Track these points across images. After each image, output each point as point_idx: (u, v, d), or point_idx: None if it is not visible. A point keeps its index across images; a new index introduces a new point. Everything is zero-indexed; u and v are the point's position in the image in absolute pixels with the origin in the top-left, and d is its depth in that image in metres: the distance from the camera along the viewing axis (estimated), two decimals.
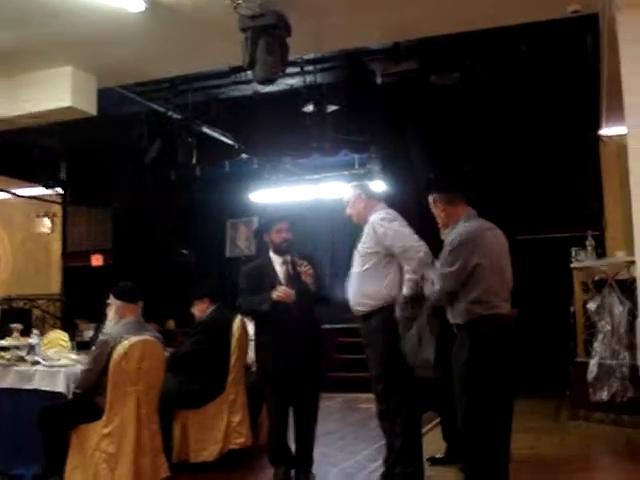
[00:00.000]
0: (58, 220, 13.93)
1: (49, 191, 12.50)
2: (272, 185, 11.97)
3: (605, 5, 5.79)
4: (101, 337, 5.13)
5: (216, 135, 9.96)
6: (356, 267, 4.74)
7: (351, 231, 5.10)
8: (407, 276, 4.50)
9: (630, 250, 6.54)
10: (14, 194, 13.15)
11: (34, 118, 7.22)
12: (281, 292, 5.03)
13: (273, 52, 5.12)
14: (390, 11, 5.88)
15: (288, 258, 5.27)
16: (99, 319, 6.57)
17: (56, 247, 14.00)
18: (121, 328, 5.10)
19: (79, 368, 5.38)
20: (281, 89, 8.62)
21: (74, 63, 6.81)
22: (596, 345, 7.11)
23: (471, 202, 4.22)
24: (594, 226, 9.08)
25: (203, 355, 5.71)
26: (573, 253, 7.93)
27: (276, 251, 5.33)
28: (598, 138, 9.67)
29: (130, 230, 13.24)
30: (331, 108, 8.63)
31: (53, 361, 5.70)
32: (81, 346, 6.54)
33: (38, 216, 13.86)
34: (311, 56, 7.96)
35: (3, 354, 5.78)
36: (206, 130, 9.63)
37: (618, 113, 6.39)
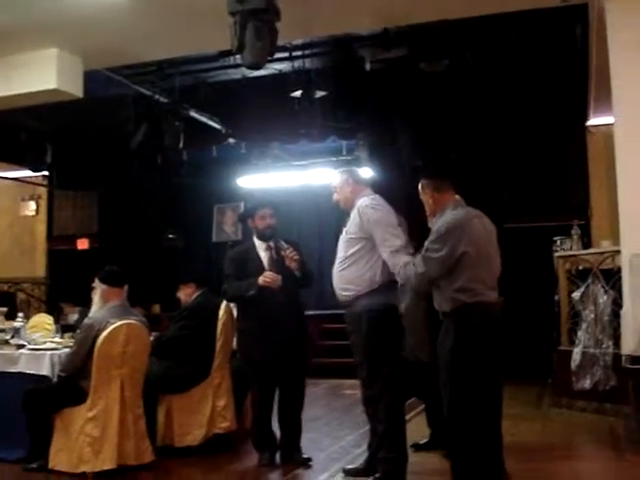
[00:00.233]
0: (43, 203, 13.85)
1: (34, 174, 12.41)
2: (259, 170, 11.93)
3: None
4: (86, 321, 5.11)
5: (203, 119, 9.91)
6: (340, 252, 4.74)
7: (338, 217, 5.09)
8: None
9: (615, 239, 6.59)
10: (0, 177, 13.06)
11: (19, 100, 7.17)
12: (268, 277, 5.05)
13: (262, 37, 5.09)
14: None
15: (272, 244, 5.28)
16: (84, 303, 6.54)
17: (41, 230, 13.92)
18: (106, 312, 5.09)
19: (64, 351, 5.37)
20: (269, 74, 8.58)
21: (59, 45, 6.76)
22: (580, 334, 7.15)
23: (458, 190, 4.22)
24: (580, 215, 9.13)
25: (188, 340, 5.71)
26: (558, 242, 7.97)
27: (260, 237, 5.35)
28: (585, 128, 9.72)
29: (116, 214, 13.18)
30: (319, 94, 8.60)
31: (38, 344, 5.68)
32: (66, 329, 6.51)
33: (23, 199, 13.80)
34: (300, 41, 7.93)
35: None
36: (193, 114, 9.58)
37: (605, 103, 6.43)
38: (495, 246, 4.08)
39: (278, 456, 5.32)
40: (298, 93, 8.54)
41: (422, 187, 4.19)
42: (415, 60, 8.05)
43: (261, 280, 5.06)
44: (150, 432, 5.24)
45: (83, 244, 13.29)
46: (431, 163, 9.17)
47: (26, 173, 12.43)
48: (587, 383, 6.91)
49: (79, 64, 7.06)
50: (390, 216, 4.61)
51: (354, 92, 9.11)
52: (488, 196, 8.99)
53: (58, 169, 12.64)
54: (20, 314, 6.28)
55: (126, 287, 5.36)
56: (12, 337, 5.76)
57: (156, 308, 12.05)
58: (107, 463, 4.82)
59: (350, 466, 4.98)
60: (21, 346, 5.58)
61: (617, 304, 6.58)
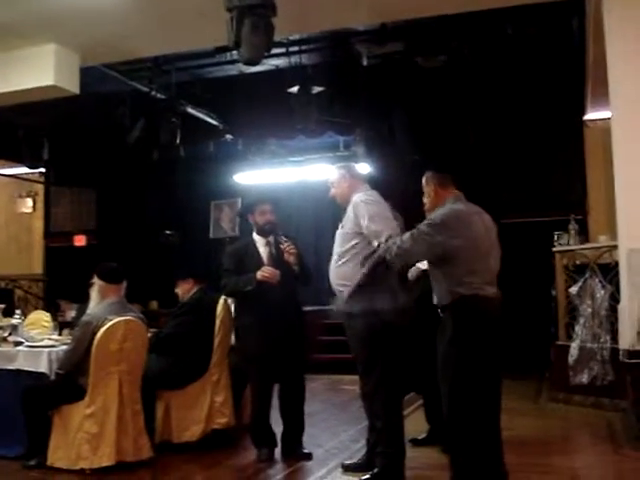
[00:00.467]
0: (40, 200, 13.84)
1: (31, 171, 12.40)
2: (256, 166, 11.93)
3: None
4: (84, 318, 5.11)
5: (200, 115, 9.91)
6: (337, 248, 4.74)
7: (335, 213, 5.10)
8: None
9: (613, 234, 6.60)
10: None
11: (17, 96, 7.15)
12: (266, 272, 5.06)
13: (259, 32, 5.08)
14: None
15: (271, 239, 5.29)
16: (82, 300, 6.53)
17: (38, 227, 13.92)
18: (104, 309, 5.09)
19: (62, 349, 5.37)
20: (266, 70, 8.57)
21: (57, 41, 6.75)
22: (577, 328, 7.16)
23: (460, 187, 4.22)
24: (577, 210, 9.14)
25: (186, 336, 5.71)
26: (556, 237, 7.97)
27: (259, 232, 5.36)
28: (582, 122, 9.71)
29: (114, 211, 13.17)
30: (316, 89, 8.59)
31: (36, 341, 5.68)
32: (64, 326, 6.51)
33: (20, 196, 13.79)
34: (297, 37, 7.92)
35: None
36: (190, 110, 9.56)
37: (603, 97, 6.43)
38: (495, 242, 4.08)
39: (277, 451, 5.33)
40: (295, 89, 8.53)
41: (427, 179, 4.19)
42: (412, 55, 8.04)
43: (259, 275, 5.07)
44: (148, 428, 5.24)
45: (80, 241, 13.30)
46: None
47: (23, 170, 12.41)
48: (585, 378, 6.92)
49: (76, 60, 7.05)
50: (385, 211, 4.61)
51: (351, 87, 9.11)
52: (485, 191, 9.01)
53: (55, 166, 12.63)
54: (17, 311, 6.26)
55: (125, 284, 5.36)
56: (10, 334, 5.74)
57: (154, 304, 12.05)
58: (105, 459, 4.82)
59: (349, 461, 4.98)
60: (19, 343, 5.57)
61: (614, 299, 6.59)
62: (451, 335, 3.84)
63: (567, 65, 8.46)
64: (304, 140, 10.68)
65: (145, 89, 8.98)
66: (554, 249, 7.82)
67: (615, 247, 6.29)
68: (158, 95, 9.07)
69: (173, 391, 5.60)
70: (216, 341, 5.73)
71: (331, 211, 5.27)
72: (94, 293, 5.26)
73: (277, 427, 5.39)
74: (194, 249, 12.52)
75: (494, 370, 3.93)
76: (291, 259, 5.14)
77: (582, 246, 7.73)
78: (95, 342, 4.88)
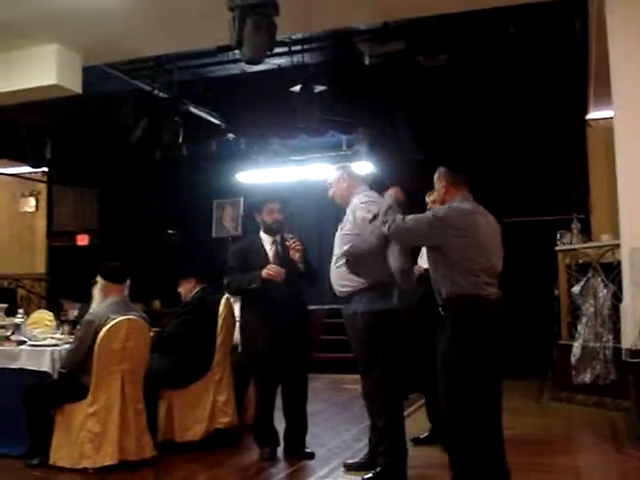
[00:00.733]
0: (43, 199, 13.86)
1: (34, 170, 12.42)
2: (259, 166, 11.92)
3: None
4: (86, 317, 5.12)
5: (203, 115, 9.90)
6: (337, 249, 4.75)
7: (337, 212, 5.09)
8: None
9: (615, 233, 6.59)
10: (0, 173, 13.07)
11: (19, 96, 7.16)
12: (271, 270, 5.06)
13: (261, 31, 5.08)
14: None
15: (278, 238, 5.30)
16: (85, 299, 6.55)
17: (41, 226, 13.94)
18: (106, 308, 5.09)
19: (64, 348, 5.38)
20: (268, 69, 8.57)
21: (59, 41, 6.76)
22: (580, 328, 7.16)
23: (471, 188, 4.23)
24: (580, 209, 9.13)
25: (189, 335, 5.71)
26: (558, 236, 7.97)
27: (267, 231, 5.37)
28: (585, 121, 9.70)
29: (116, 210, 13.18)
30: (319, 88, 8.59)
31: (38, 340, 5.69)
32: (64, 323, 6.51)
33: (23, 195, 13.81)
34: (299, 36, 7.92)
35: None
36: (193, 109, 9.57)
37: (605, 96, 6.42)
38: (498, 244, 4.09)
39: (279, 450, 5.34)
40: (297, 88, 8.53)
41: (440, 175, 4.18)
42: (414, 54, 8.03)
43: (265, 273, 5.08)
44: (151, 427, 5.25)
45: (83, 240, 13.30)
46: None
47: (26, 169, 12.44)
48: (587, 377, 6.92)
49: (78, 60, 7.06)
50: None
51: (353, 86, 9.10)
52: (488, 190, 9.00)
53: (58, 165, 12.63)
54: (20, 310, 6.27)
55: (128, 283, 5.37)
56: (12, 333, 5.76)
57: (156, 304, 12.05)
58: (108, 458, 4.83)
59: (351, 460, 4.99)
60: (22, 342, 5.58)
61: (617, 298, 6.58)
62: (450, 334, 3.85)
63: (569, 64, 8.45)
64: (306, 139, 10.68)
65: (147, 88, 8.98)
66: (557, 248, 7.82)
67: (618, 246, 6.29)
68: (160, 94, 9.07)
69: (176, 390, 5.60)
70: (218, 340, 5.73)
71: (333, 210, 5.25)
72: (96, 292, 5.27)
73: (279, 426, 5.39)
74: (196, 248, 12.52)
75: (493, 370, 3.93)
76: (296, 256, 5.14)
77: (584, 245, 7.73)
78: (98, 341, 4.88)
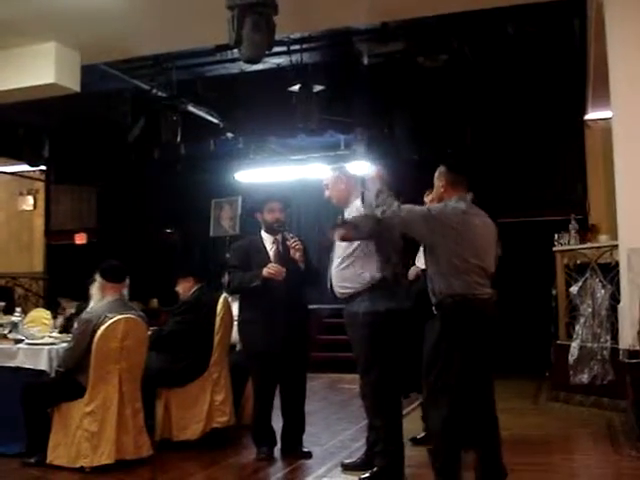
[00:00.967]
0: (41, 198, 13.85)
1: (32, 168, 12.41)
2: (257, 165, 11.93)
3: None
4: (84, 315, 5.11)
5: (201, 114, 9.90)
6: (338, 251, 4.74)
7: (336, 212, 5.09)
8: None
9: (613, 234, 6.59)
10: None
11: (17, 94, 7.15)
12: (272, 269, 5.06)
13: (260, 30, 5.08)
14: None
15: (279, 237, 5.30)
16: (82, 298, 6.54)
17: (39, 225, 13.93)
18: (104, 306, 5.09)
19: (62, 346, 5.37)
20: (267, 68, 8.57)
21: (58, 39, 6.75)
22: (578, 328, 7.16)
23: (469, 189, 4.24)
24: (578, 210, 9.13)
25: (187, 334, 5.71)
26: (556, 236, 7.97)
27: (268, 230, 5.37)
28: (583, 122, 9.71)
29: (114, 208, 13.18)
30: (317, 88, 8.59)
31: (36, 339, 5.68)
32: (58, 316, 6.54)
33: (21, 194, 13.80)
34: (298, 35, 7.91)
35: None
36: (191, 108, 9.56)
37: (604, 97, 6.42)
38: (492, 245, 4.10)
39: (276, 450, 5.34)
40: (296, 87, 8.53)
41: (440, 173, 4.19)
42: (413, 54, 8.03)
43: (265, 272, 5.08)
44: (148, 426, 5.25)
45: (81, 239, 13.30)
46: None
47: (23, 167, 12.43)
48: (585, 377, 6.92)
49: (77, 58, 7.05)
50: None
51: (352, 86, 9.09)
52: (485, 190, 9.00)
53: (56, 163, 12.64)
54: (18, 309, 6.27)
55: (127, 282, 5.37)
56: (10, 332, 5.75)
57: (154, 302, 12.04)
58: (105, 457, 4.82)
59: (348, 460, 4.99)
60: (19, 341, 5.58)
61: (615, 298, 6.58)
62: (438, 333, 3.89)
63: (568, 65, 8.45)
64: (305, 139, 10.68)
65: (146, 87, 8.97)
66: (555, 249, 7.82)
67: (615, 247, 6.29)
68: (159, 93, 9.06)
69: (173, 389, 5.60)
70: (216, 339, 5.73)
71: (332, 210, 5.25)
72: (95, 290, 5.27)
73: (276, 425, 5.39)
74: (194, 247, 12.54)
75: (482, 370, 3.93)
76: (297, 255, 5.14)
77: (582, 246, 7.73)
78: (95, 340, 4.88)
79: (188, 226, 12.82)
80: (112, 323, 4.94)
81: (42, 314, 7.18)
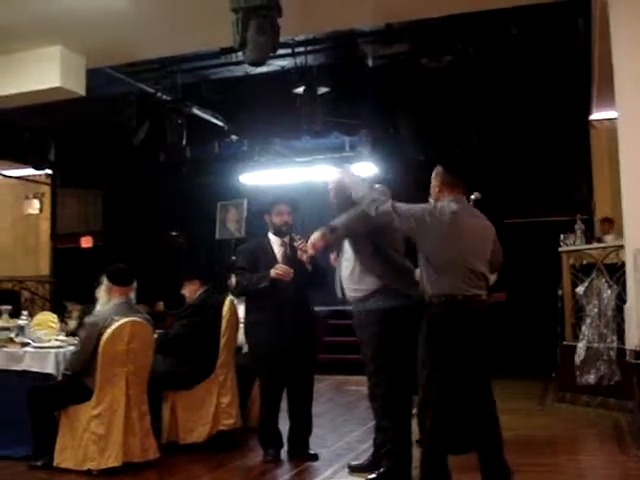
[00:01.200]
0: (47, 201, 13.88)
1: (38, 172, 12.44)
2: (262, 167, 11.93)
3: None
4: (90, 319, 5.13)
5: (206, 116, 9.91)
6: (347, 253, 4.75)
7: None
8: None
9: (619, 234, 6.58)
10: (4, 175, 13.10)
11: (23, 98, 7.17)
12: (280, 270, 5.07)
13: (264, 33, 5.09)
14: None
15: (287, 240, 5.31)
16: (88, 301, 6.56)
17: (45, 229, 13.96)
18: (110, 309, 5.10)
19: (69, 349, 5.38)
20: (272, 70, 8.58)
21: (63, 43, 6.77)
22: (584, 328, 7.15)
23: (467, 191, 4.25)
24: (583, 210, 9.12)
25: (193, 337, 5.71)
26: (562, 237, 7.96)
27: (276, 232, 5.38)
28: (588, 122, 9.70)
29: (120, 212, 13.20)
30: (322, 90, 8.60)
31: (43, 342, 5.69)
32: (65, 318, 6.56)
33: (27, 197, 13.83)
34: (302, 37, 7.92)
35: None
36: (196, 111, 9.57)
37: (609, 97, 6.41)
38: (486, 247, 4.09)
39: (283, 452, 5.34)
40: (300, 89, 8.54)
41: (436, 173, 4.21)
42: (418, 56, 8.03)
43: (273, 272, 5.08)
44: (155, 429, 5.26)
45: (87, 242, 13.32)
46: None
47: (29, 171, 12.46)
48: (591, 378, 6.91)
49: (82, 62, 7.07)
50: None
51: (356, 88, 9.11)
52: (491, 191, 9.00)
53: (61, 167, 12.67)
54: (24, 312, 6.28)
55: (135, 285, 5.39)
56: (17, 335, 5.76)
57: (160, 305, 12.06)
58: (112, 460, 4.83)
59: (355, 462, 4.99)
60: (26, 344, 5.59)
61: (621, 299, 6.57)
62: (425, 335, 3.92)
63: (573, 65, 8.44)
64: (310, 141, 10.69)
65: (151, 90, 8.99)
66: (560, 249, 7.81)
67: (621, 247, 6.28)
68: (164, 96, 9.09)
69: (179, 392, 5.61)
70: (222, 342, 5.73)
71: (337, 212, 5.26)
72: (102, 293, 5.28)
73: (283, 427, 5.39)
74: (200, 250, 12.55)
75: (475, 372, 3.92)
76: (304, 257, 5.15)
77: (588, 246, 7.72)
78: (102, 343, 4.89)
79: (194, 229, 12.84)
80: (119, 326, 4.95)
81: (48, 317, 7.20)
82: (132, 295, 5.47)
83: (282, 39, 5.41)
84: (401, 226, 4.13)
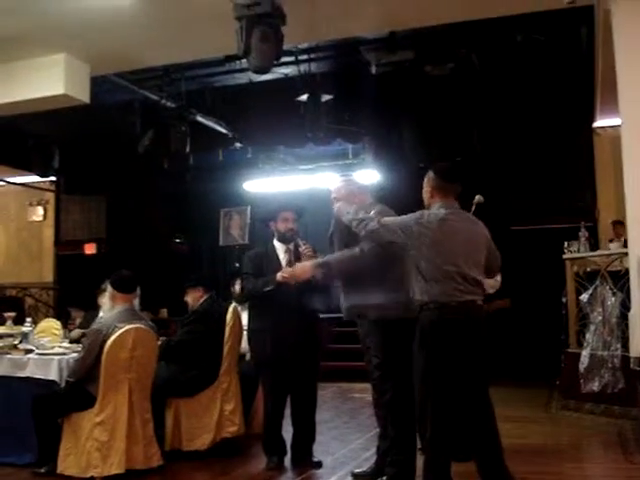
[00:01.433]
0: (51, 208, 13.91)
1: (42, 179, 12.48)
2: (266, 174, 11.95)
3: None
4: (94, 326, 5.13)
5: (210, 124, 9.94)
6: None
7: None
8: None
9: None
10: (8, 182, 13.13)
11: (27, 105, 7.20)
12: (286, 273, 5.07)
13: (268, 41, 5.11)
14: (385, 0, 5.87)
15: (291, 247, 5.31)
16: (92, 307, 6.57)
17: (49, 235, 13.98)
18: (114, 316, 5.10)
19: (72, 356, 5.39)
20: (275, 78, 8.61)
21: (68, 50, 6.80)
22: (588, 336, 7.13)
23: (465, 193, 4.24)
24: (587, 217, 9.11)
25: (196, 344, 5.71)
26: (566, 244, 7.95)
27: (280, 239, 5.38)
28: (592, 129, 9.70)
29: (124, 219, 13.22)
30: (325, 97, 8.62)
31: (46, 349, 5.70)
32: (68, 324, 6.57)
33: (31, 204, 13.87)
34: (306, 45, 7.95)
35: None
36: (200, 119, 9.60)
37: (612, 104, 6.41)
38: (478, 251, 4.07)
39: (287, 459, 5.33)
40: (304, 97, 8.56)
41: (428, 179, 4.21)
42: (421, 63, 8.05)
43: (279, 276, 5.08)
44: (158, 436, 5.24)
45: (91, 249, 13.34)
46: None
47: (34, 178, 12.50)
48: (595, 385, 6.89)
49: (87, 69, 7.10)
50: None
51: (360, 95, 9.12)
52: (495, 199, 8.99)
53: (65, 174, 12.70)
54: (28, 319, 6.29)
55: (138, 292, 5.39)
56: (20, 342, 5.77)
57: (163, 312, 12.07)
58: (115, 467, 4.82)
59: (358, 470, 4.97)
60: (29, 351, 5.59)
61: (625, 306, 6.56)
62: (418, 342, 3.93)
63: (576, 72, 8.45)
64: (313, 148, 10.70)
65: (155, 98, 9.02)
66: (564, 256, 7.80)
67: (625, 254, 6.27)
68: (168, 104, 9.11)
69: (183, 399, 5.60)
70: (226, 349, 5.73)
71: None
72: (106, 300, 5.28)
73: (286, 434, 5.39)
74: (204, 257, 12.56)
75: (471, 380, 3.90)
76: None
77: (592, 253, 7.71)
78: (105, 350, 4.89)
79: (197, 236, 12.86)
80: (122, 333, 4.95)
81: (52, 324, 7.20)
82: (136, 302, 5.47)
83: (286, 47, 5.43)
84: (391, 239, 4.13)
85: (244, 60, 5.59)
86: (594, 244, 8.26)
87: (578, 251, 7.82)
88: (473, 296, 3.94)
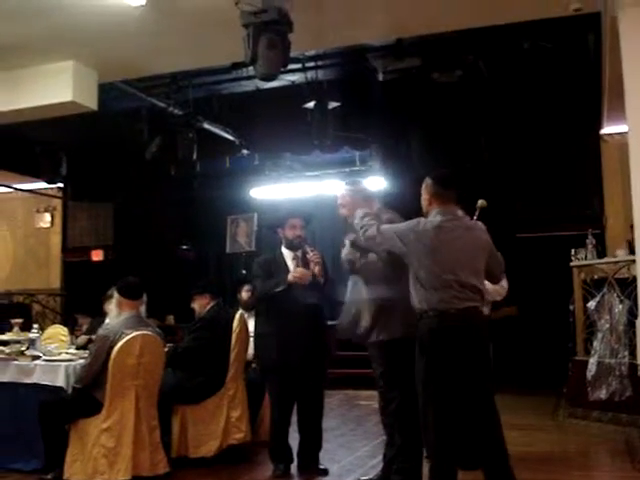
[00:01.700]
0: (58, 215, 13.95)
1: (49, 186, 12.52)
2: (273, 181, 11.96)
3: (607, 3, 5.79)
4: (100, 332, 5.14)
5: (217, 131, 9.96)
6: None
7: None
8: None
9: (630, 248, 6.55)
10: (15, 189, 13.18)
11: (35, 112, 7.23)
12: (297, 273, 5.08)
13: (275, 48, 5.12)
14: (392, 7, 5.89)
15: (299, 254, 5.32)
16: (98, 314, 6.58)
17: (56, 242, 14.01)
18: (121, 323, 5.11)
19: (79, 363, 5.39)
20: (282, 85, 8.62)
21: (75, 57, 6.83)
22: (595, 344, 7.11)
23: (472, 200, 4.24)
24: (595, 224, 9.09)
25: (203, 351, 5.72)
26: (573, 252, 7.93)
27: (288, 246, 5.39)
28: (599, 136, 9.68)
29: (131, 225, 13.24)
30: (332, 105, 8.63)
31: (53, 356, 5.71)
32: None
33: (38, 211, 13.91)
34: (313, 52, 7.96)
35: (3, 348, 5.78)
36: (207, 126, 9.62)
37: (619, 111, 6.40)
38: (476, 257, 4.04)
39: (293, 467, 5.32)
40: (311, 104, 8.58)
41: (426, 185, 4.21)
42: (428, 70, 8.06)
43: (291, 276, 5.11)
44: (165, 443, 5.24)
45: (98, 255, 13.36)
46: (446, 172, 9.15)
47: (41, 185, 12.54)
48: (603, 393, 6.87)
49: (94, 77, 7.13)
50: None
51: (367, 103, 9.13)
52: (502, 206, 8.98)
53: (73, 181, 12.73)
54: (35, 325, 6.30)
55: (145, 299, 5.40)
56: (27, 348, 5.78)
57: (170, 319, 12.06)
58: (122, 474, 4.82)
59: (365, 477, 4.96)
60: (36, 357, 5.60)
61: (632, 313, 6.54)
62: (418, 351, 3.91)
63: (583, 79, 8.44)
64: (320, 155, 10.70)
65: (162, 105, 9.04)
66: (572, 264, 7.78)
67: (633, 261, 6.26)
68: (175, 111, 9.13)
69: (189, 406, 5.61)
70: (232, 356, 5.73)
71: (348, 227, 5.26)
72: (112, 306, 5.30)
73: (293, 442, 5.38)
74: (210, 264, 12.57)
75: (471, 385, 3.87)
76: (316, 269, 5.15)
77: (600, 261, 7.68)
78: (112, 356, 4.89)
79: (204, 242, 12.86)
80: (129, 339, 4.96)
81: (59, 330, 7.22)
82: (142, 309, 5.48)
83: (293, 54, 5.44)
84: (388, 247, 4.12)
85: (251, 67, 5.59)
86: (601, 251, 8.23)
87: (585, 258, 7.80)
88: (473, 302, 3.92)
